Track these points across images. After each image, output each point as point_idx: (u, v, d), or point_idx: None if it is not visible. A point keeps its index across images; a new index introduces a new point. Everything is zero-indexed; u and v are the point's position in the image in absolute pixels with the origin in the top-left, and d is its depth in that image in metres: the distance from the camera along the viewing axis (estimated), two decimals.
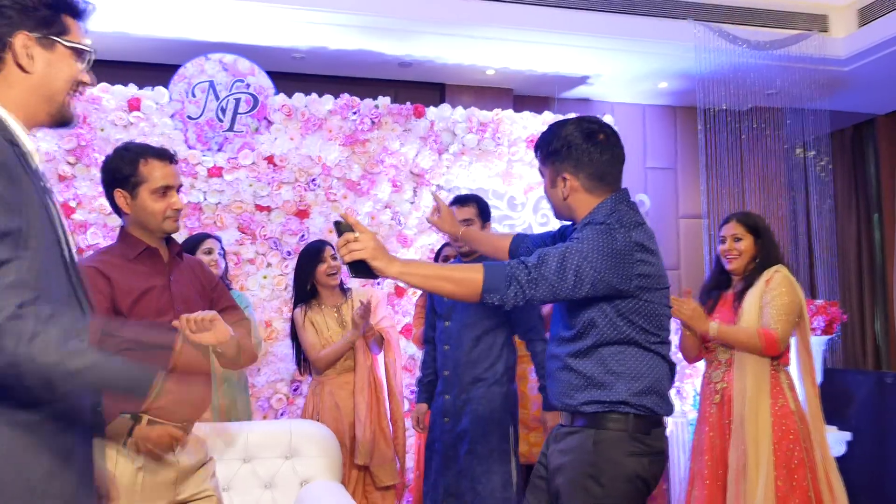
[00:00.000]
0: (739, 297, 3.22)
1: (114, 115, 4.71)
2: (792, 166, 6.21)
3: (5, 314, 1.28)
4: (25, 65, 1.48)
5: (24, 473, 1.37)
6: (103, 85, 4.74)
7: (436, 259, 4.41)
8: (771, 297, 3.12)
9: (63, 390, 1.35)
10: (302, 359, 3.95)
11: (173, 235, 2.43)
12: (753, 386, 3.08)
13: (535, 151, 2.25)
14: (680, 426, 4.71)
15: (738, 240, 3.26)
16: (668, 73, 5.90)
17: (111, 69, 5.02)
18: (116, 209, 2.33)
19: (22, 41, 1.47)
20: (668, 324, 2.14)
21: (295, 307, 3.94)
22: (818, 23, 5.66)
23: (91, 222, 4.59)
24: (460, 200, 3.57)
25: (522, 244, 2.50)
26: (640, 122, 6.56)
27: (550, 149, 2.17)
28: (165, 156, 2.31)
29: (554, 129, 2.20)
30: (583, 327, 2.07)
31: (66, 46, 1.52)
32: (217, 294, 2.50)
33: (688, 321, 3.16)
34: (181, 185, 2.37)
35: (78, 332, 1.33)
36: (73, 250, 1.54)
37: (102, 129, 4.66)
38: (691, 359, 3.40)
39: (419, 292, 4.49)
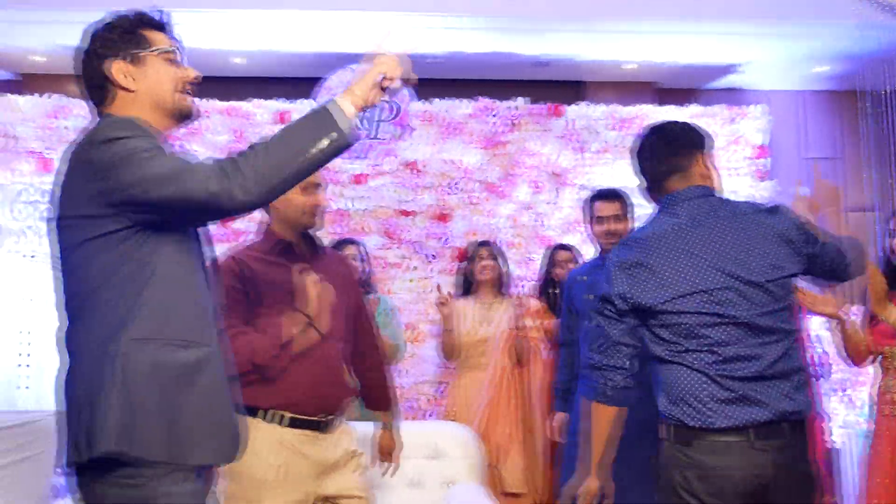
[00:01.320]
0: None
1: (266, 128, 4.94)
2: None
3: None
4: (127, 85, 1.66)
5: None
6: (255, 101, 4.99)
7: (550, 264, 4.30)
8: None
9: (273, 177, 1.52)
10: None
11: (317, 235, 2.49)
12: None
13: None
14: (851, 437, 4.38)
15: None
16: (828, 56, 5.51)
17: (262, 85, 5.27)
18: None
19: (117, 68, 1.65)
20: (702, 331, 1.97)
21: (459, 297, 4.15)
22: None
23: (250, 231, 4.82)
24: (605, 196, 3.39)
25: None
26: (797, 110, 6.17)
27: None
28: None
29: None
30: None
31: (153, 55, 1.67)
32: (358, 311, 2.58)
33: (813, 308, 2.93)
34: (326, 185, 2.44)
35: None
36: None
37: None
38: (857, 361, 3.12)
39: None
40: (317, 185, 2.37)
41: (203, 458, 1.59)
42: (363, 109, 1.61)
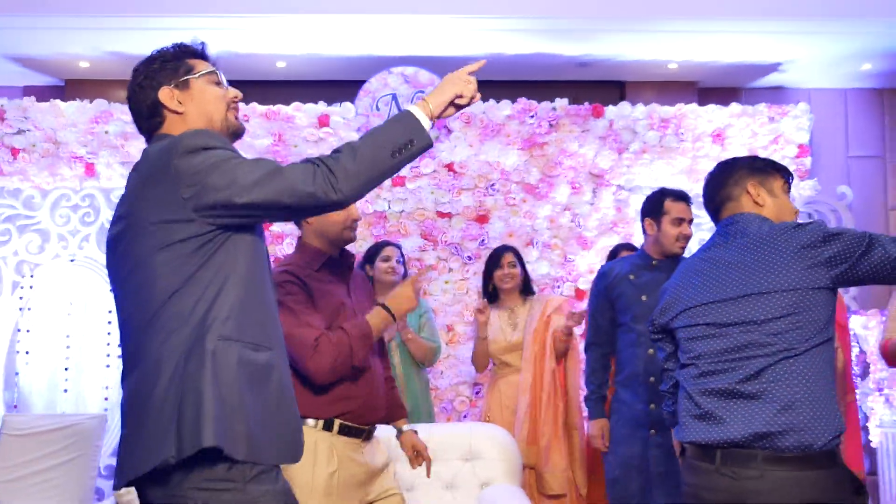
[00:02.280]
0: None
1: (306, 131, 5.02)
2: None
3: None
4: (177, 108, 1.78)
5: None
6: (296, 104, 5.06)
7: (611, 257, 4.25)
8: None
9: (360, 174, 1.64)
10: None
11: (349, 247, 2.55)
12: None
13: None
14: (890, 437, 4.31)
15: None
16: (872, 53, 5.41)
17: (302, 89, 5.35)
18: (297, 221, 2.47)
19: (166, 94, 1.77)
20: (690, 344, 2.04)
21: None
22: None
23: (287, 233, 4.91)
24: (684, 197, 3.31)
25: None
26: (841, 108, 6.07)
27: None
28: None
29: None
30: None
31: (196, 78, 1.80)
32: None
33: None
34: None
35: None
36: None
37: (296, 146, 4.97)
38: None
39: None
40: None
41: (274, 457, 1.65)
42: (434, 120, 1.72)
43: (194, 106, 1.78)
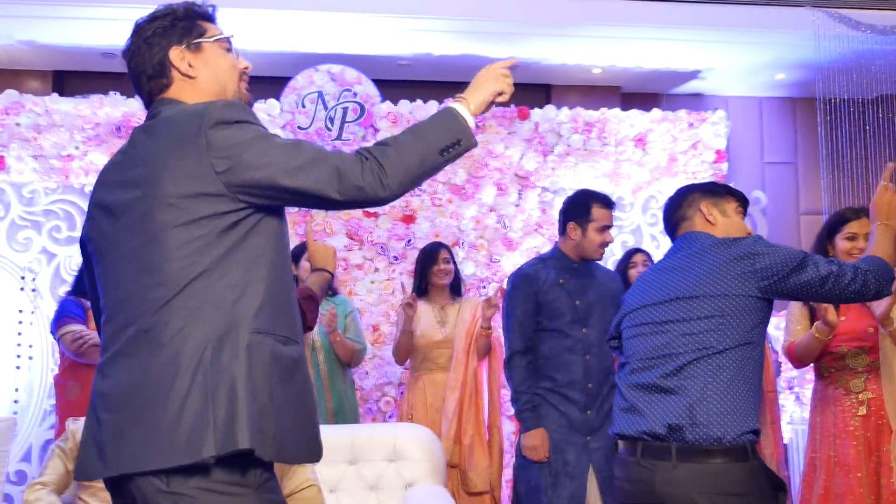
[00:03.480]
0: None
1: None
2: None
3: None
4: (189, 72, 1.65)
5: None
6: None
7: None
8: None
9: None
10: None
11: None
12: None
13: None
14: (800, 434, 4.49)
15: (866, 237, 2.99)
16: (786, 64, 5.63)
17: None
18: None
19: (176, 55, 1.64)
20: (626, 343, 2.23)
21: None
22: None
23: None
24: (610, 204, 3.31)
25: None
26: (756, 115, 6.29)
27: None
28: None
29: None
30: None
31: (210, 42, 1.67)
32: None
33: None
34: None
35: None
36: None
37: None
38: (806, 363, 3.18)
39: None
40: None
41: (301, 457, 1.56)
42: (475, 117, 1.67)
43: (207, 72, 1.65)
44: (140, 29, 1.66)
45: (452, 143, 1.60)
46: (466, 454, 3.81)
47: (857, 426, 2.93)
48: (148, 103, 1.68)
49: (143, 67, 1.65)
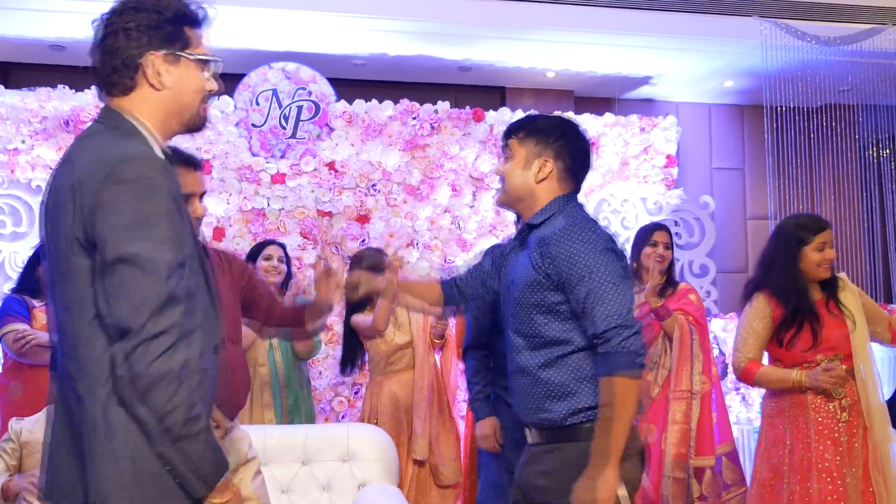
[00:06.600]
0: (834, 300, 3.00)
1: None
2: (865, 165, 6.00)
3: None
4: (156, 83, 1.54)
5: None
6: None
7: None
8: (869, 302, 3.07)
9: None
10: (356, 359, 3.99)
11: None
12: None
13: (514, 129, 2.15)
14: (746, 434, 4.60)
15: (831, 247, 3.02)
16: (734, 72, 5.77)
17: None
18: None
19: (151, 61, 1.53)
20: None
21: (351, 313, 3.95)
22: (891, 16, 5.45)
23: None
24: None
25: (459, 287, 2.37)
26: (705, 121, 6.43)
27: (538, 126, 2.13)
28: (191, 162, 2.25)
29: (545, 116, 2.22)
30: (556, 336, 2.03)
31: (191, 59, 1.57)
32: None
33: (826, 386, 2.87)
34: (204, 193, 2.30)
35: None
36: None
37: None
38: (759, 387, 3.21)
39: None
40: (195, 195, 2.24)
41: None
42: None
43: (175, 88, 1.55)
44: (121, 13, 1.53)
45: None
46: (435, 448, 3.83)
47: (841, 431, 2.92)
48: (102, 93, 1.57)
49: (113, 56, 1.53)
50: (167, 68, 1.54)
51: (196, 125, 1.63)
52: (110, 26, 1.54)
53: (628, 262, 2.50)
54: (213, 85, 1.62)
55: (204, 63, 1.59)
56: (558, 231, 2.01)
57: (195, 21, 1.60)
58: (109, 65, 1.54)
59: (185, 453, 1.41)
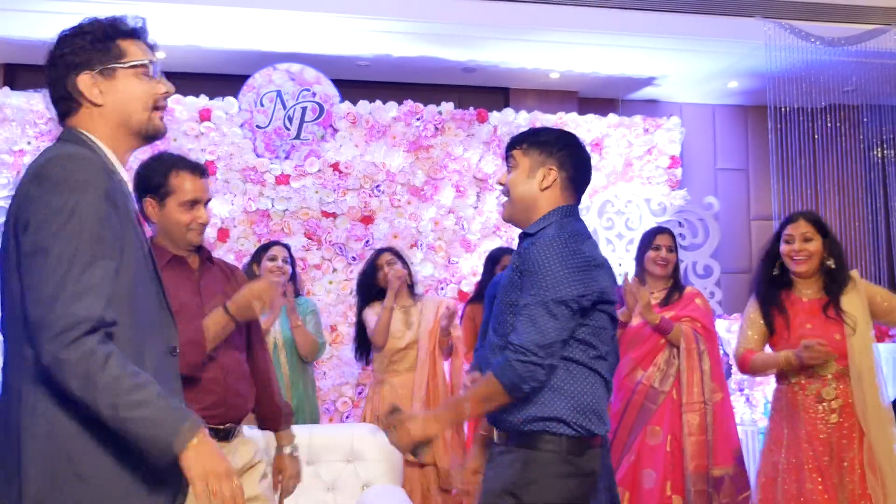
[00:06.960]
0: (834, 304, 3.00)
1: (186, 125, 4.87)
2: (870, 166, 5.99)
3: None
4: (95, 100, 1.57)
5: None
6: (175, 96, 4.89)
7: (492, 262, 4.21)
8: (884, 296, 3.05)
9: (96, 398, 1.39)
10: (366, 352, 4.08)
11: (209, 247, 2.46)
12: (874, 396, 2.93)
13: (518, 141, 2.18)
14: (750, 435, 4.59)
15: (807, 240, 3.04)
16: (738, 73, 5.76)
17: (183, 81, 5.14)
18: (145, 216, 2.31)
19: (85, 81, 1.56)
20: (609, 337, 2.10)
21: (363, 308, 4.02)
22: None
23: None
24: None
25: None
26: (709, 122, 6.43)
27: (541, 138, 2.16)
28: (197, 169, 2.28)
29: (548, 128, 2.25)
30: None
31: (125, 68, 1.58)
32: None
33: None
34: (209, 199, 2.35)
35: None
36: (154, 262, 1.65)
37: (175, 140, 4.82)
38: (758, 376, 3.22)
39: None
40: (201, 202, 2.28)
41: None
42: None
43: (115, 100, 1.57)
44: (59, 43, 1.59)
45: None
46: (443, 453, 3.83)
47: (829, 432, 2.94)
48: (61, 122, 1.62)
49: (53, 86, 1.59)
50: (103, 83, 1.57)
51: (149, 133, 1.62)
52: (49, 59, 1.59)
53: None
54: (161, 88, 1.62)
55: (141, 68, 1.60)
56: (545, 237, 2.05)
57: (128, 33, 1.61)
58: (55, 95, 1.60)
59: (140, 418, 1.39)
